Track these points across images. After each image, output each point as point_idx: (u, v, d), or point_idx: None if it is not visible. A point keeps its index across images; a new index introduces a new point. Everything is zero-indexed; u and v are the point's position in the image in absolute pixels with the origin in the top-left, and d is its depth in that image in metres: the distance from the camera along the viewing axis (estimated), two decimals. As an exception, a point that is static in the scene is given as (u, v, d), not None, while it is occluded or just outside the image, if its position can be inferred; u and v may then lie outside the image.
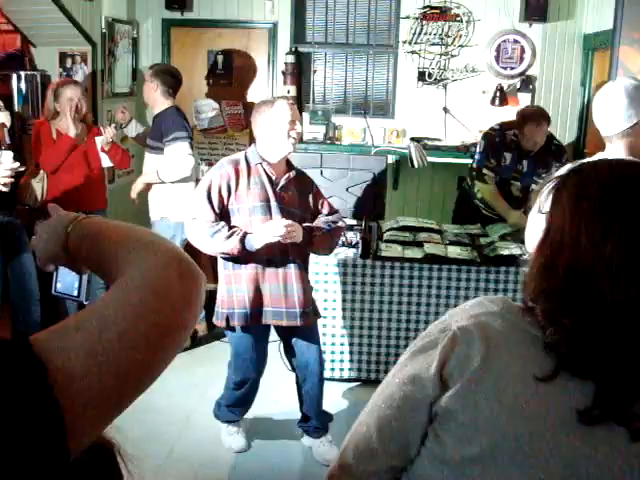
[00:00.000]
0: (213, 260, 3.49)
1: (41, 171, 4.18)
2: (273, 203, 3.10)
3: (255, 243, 3.00)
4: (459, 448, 1.05)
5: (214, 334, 4.59)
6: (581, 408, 0.98)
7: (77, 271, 1.08)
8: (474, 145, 5.36)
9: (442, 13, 6.38)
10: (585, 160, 1.22)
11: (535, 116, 4.35)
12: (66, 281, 1.10)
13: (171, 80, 4.50)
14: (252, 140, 3.44)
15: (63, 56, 5.86)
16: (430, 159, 5.55)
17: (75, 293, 1.10)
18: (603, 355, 0.98)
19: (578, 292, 1.01)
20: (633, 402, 0.97)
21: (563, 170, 1.13)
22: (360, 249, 3.94)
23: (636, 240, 0.99)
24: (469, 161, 4.91)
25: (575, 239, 1.02)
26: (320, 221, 3.21)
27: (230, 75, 6.70)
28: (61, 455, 0.70)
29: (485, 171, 4.46)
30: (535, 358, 1.02)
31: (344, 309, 3.97)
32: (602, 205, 1.02)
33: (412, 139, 6.08)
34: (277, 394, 3.84)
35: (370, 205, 4.09)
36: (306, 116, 6.59)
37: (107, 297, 0.83)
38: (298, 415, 3.46)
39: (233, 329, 3.21)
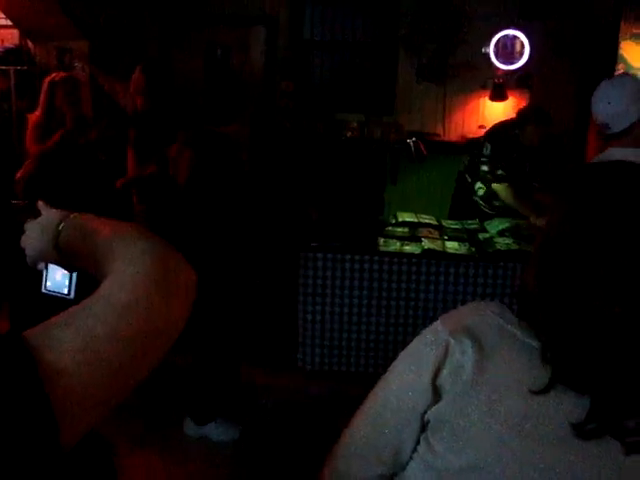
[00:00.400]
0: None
1: None
2: None
3: None
4: (451, 458, 1.03)
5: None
6: (576, 422, 0.96)
7: (68, 269, 1.07)
8: (474, 141, 5.35)
9: (441, 8, 6.36)
10: (594, 161, 1.19)
11: (535, 116, 4.34)
12: (56, 279, 1.10)
13: None
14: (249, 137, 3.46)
15: (61, 51, 5.85)
16: (429, 154, 5.56)
17: (65, 291, 1.10)
18: (599, 368, 0.95)
19: (574, 302, 0.97)
20: (628, 416, 0.95)
21: (567, 173, 1.10)
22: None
23: (633, 250, 0.95)
24: (468, 156, 4.87)
25: (572, 247, 0.99)
26: None
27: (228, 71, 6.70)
28: (53, 449, 0.70)
29: (500, 172, 4.41)
30: (530, 369, 0.99)
31: (342, 304, 3.96)
32: (600, 213, 0.99)
33: (411, 134, 6.08)
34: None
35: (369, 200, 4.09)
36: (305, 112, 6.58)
37: (98, 294, 0.83)
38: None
39: None
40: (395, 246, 3.97)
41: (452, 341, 1.04)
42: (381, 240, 4.04)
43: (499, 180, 4.40)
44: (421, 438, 1.08)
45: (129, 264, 0.86)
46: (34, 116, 4.40)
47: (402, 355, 1.13)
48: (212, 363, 3.46)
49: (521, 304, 1.06)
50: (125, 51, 5.99)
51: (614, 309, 0.94)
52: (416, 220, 4.42)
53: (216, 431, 3.46)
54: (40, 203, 1.09)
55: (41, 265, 1.08)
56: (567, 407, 0.97)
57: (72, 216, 1.01)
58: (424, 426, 1.08)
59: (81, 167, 4.01)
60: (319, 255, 3.87)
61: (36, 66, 5.87)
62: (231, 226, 3.40)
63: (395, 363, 1.14)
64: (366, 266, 3.90)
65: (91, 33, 5.77)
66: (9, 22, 5.78)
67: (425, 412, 1.06)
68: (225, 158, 3.39)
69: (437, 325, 1.09)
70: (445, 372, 1.03)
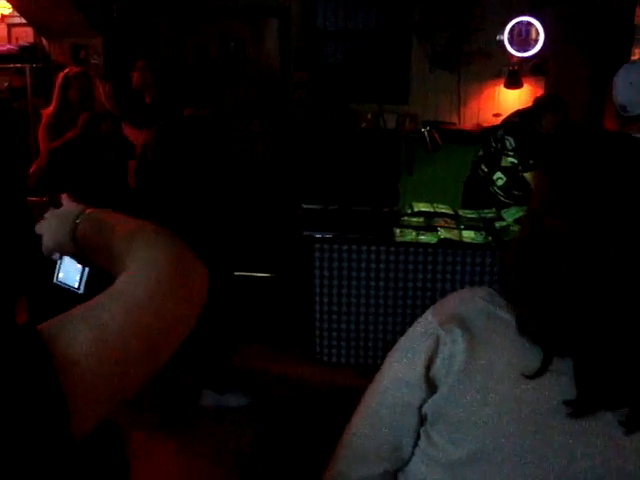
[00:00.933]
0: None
1: None
2: None
3: None
4: (451, 449, 1.02)
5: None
6: (570, 399, 0.95)
7: (82, 263, 1.09)
8: (489, 129, 5.31)
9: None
10: None
11: (552, 104, 4.32)
12: (68, 271, 1.11)
13: None
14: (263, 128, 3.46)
15: (76, 48, 5.88)
16: (444, 143, 5.52)
17: (76, 285, 1.11)
18: (584, 328, 0.94)
19: (540, 270, 0.97)
20: (616, 382, 0.94)
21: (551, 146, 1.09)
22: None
23: (592, 216, 0.94)
24: (482, 146, 4.83)
25: (541, 219, 0.99)
26: None
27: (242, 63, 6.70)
28: (65, 440, 0.72)
29: (531, 162, 4.40)
30: (521, 353, 0.98)
31: (359, 295, 3.97)
32: (564, 180, 0.98)
33: (426, 123, 6.04)
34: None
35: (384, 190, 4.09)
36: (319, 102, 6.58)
37: (113, 290, 0.85)
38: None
39: None
40: (411, 236, 3.96)
41: (442, 331, 1.03)
42: (397, 230, 4.03)
43: (530, 169, 4.38)
44: (421, 431, 1.08)
45: (144, 262, 0.88)
46: (48, 110, 4.43)
47: (396, 347, 1.12)
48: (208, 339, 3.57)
49: (503, 278, 1.06)
50: (137, 46, 6.01)
51: (577, 280, 0.94)
52: (432, 210, 4.41)
53: (234, 398, 3.62)
54: (64, 196, 1.11)
55: (56, 255, 1.09)
56: (562, 389, 0.96)
57: (90, 210, 1.03)
58: (422, 420, 1.07)
59: (91, 163, 4.04)
60: (335, 246, 3.88)
61: (51, 63, 5.90)
62: (205, 213, 3.45)
63: (389, 356, 1.13)
64: (382, 257, 3.89)
65: (104, 28, 5.78)
66: (23, 20, 5.81)
67: (421, 406, 1.06)
68: (193, 144, 3.43)
69: (427, 315, 1.09)
70: (438, 363, 1.03)
